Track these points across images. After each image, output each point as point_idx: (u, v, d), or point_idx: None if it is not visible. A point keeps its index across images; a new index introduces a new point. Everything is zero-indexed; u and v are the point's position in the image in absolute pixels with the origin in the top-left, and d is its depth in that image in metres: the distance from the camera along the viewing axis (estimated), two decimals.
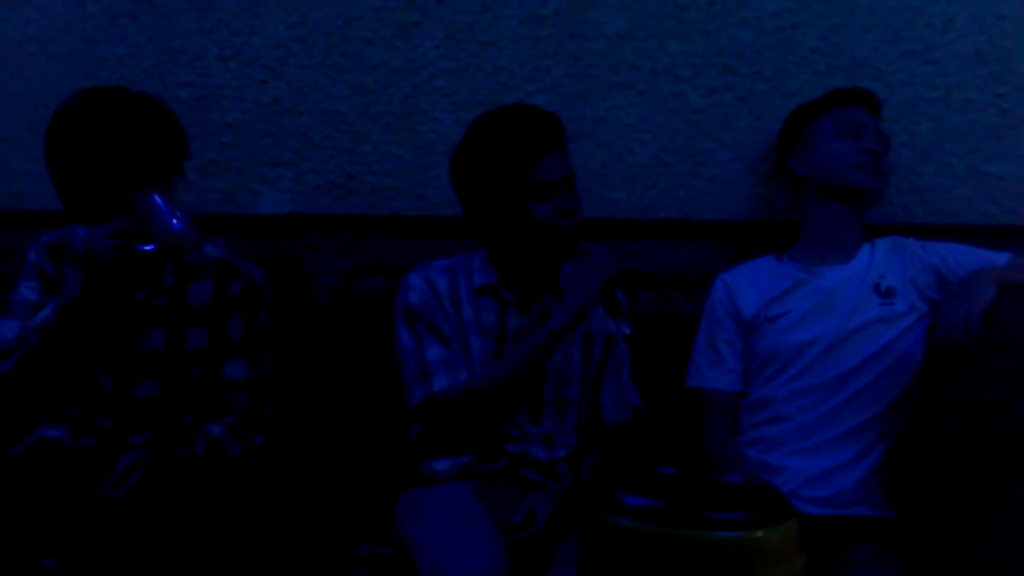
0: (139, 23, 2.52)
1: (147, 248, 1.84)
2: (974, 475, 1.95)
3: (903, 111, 2.41)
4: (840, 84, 2.34)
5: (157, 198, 1.84)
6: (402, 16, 2.48)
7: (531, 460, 2.03)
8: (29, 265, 2.05)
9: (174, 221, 1.81)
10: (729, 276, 2.25)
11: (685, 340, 2.25)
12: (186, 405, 2.05)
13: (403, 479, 2.05)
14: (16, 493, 1.86)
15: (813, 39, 2.43)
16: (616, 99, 2.47)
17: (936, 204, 2.43)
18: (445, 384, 1.99)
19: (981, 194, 2.42)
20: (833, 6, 2.42)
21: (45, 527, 1.83)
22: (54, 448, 1.98)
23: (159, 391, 2.02)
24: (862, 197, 2.20)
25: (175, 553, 1.84)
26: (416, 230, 2.49)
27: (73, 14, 2.53)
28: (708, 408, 2.18)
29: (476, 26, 2.47)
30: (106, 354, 2.01)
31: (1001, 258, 2.09)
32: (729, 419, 2.18)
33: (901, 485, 2.10)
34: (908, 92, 2.42)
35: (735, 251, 2.40)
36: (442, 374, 1.99)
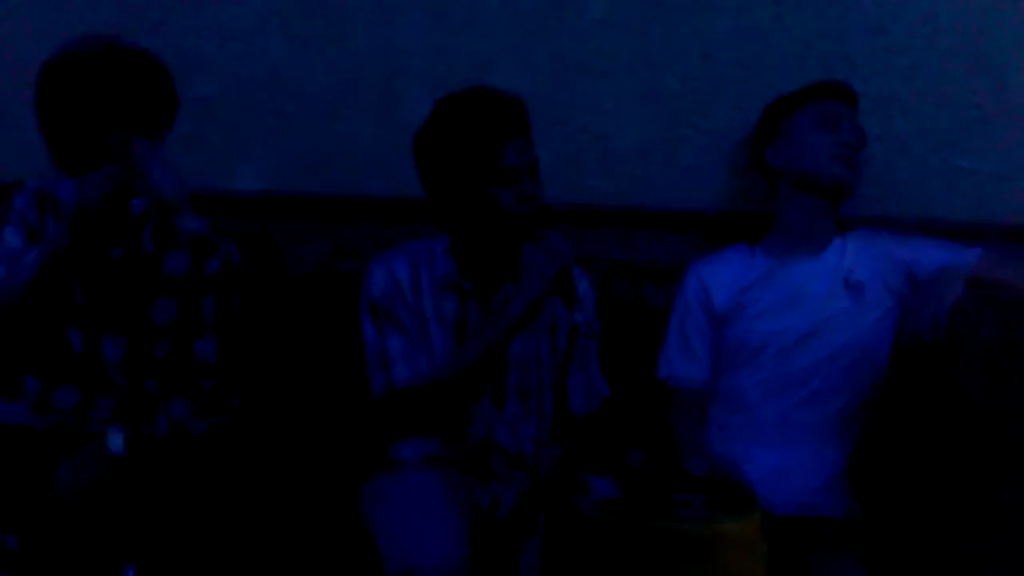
0: None
1: (135, 202, 1.83)
2: (943, 474, 1.96)
3: (878, 105, 2.40)
4: (817, 76, 2.33)
5: (151, 153, 1.81)
6: None
7: (497, 448, 2.03)
8: (14, 212, 2.03)
9: (166, 178, 1.79)
10: (702, 266, 2.25)
11: (656, 330, 2.25)
12: (151, 372, 2.02)
13: (369, 464, 2.06)
14: None
15: (792, 29, 2.42)
16: (594, 84, 2.46)
17: (909, 198, 2.43)
18: (405, 374, 2.00)
19: (954, 189, 2.42)
20: None
21: (5, 506, 1.82)
22: (15, 430, 1.96)
23: (125, 351, 2.00)
24: (837, 189, 2.19)
25: (138, 532, 1.83)
26: (392, 211, 2.47)
27: None
28: (677, 399, 2.19)
29: (456, 7, 2.45)
30: (75, 308, 1.98)
31: (972, 253, 2.10)
32: (698, 410, 2.18)
33: (866, 484, 2.11)
34: (884, 86, 2.41)
35: (709, 241, 2.40)
36: (402, 364, 2.01)
